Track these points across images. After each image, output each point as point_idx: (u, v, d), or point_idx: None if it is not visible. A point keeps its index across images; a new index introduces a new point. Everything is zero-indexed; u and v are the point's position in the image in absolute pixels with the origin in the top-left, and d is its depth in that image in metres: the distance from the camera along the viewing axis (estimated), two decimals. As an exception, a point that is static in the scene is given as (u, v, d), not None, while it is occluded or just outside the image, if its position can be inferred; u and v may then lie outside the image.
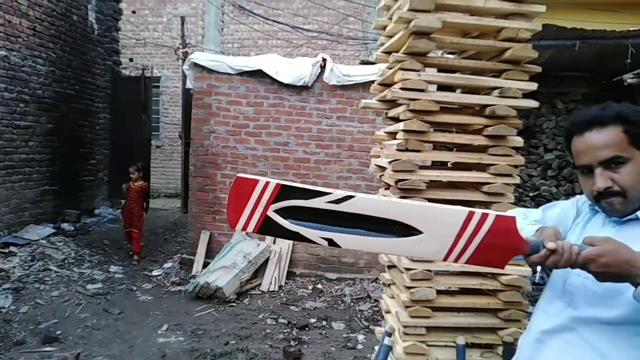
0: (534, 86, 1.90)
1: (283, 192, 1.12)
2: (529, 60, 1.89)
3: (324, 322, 4.41)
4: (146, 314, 4.39)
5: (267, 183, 1.11)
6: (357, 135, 5.68)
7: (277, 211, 1.13)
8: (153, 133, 10.28)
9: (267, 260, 5.38)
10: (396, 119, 2.12)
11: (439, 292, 1.94)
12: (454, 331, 1.93)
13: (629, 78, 4.79)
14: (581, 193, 1.21)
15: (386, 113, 2.31)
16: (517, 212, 1.24)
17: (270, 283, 5.25)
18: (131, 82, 9.05)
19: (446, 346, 1.94)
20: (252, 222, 1.13)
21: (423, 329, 1.91)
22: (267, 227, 1.14)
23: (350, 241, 1.14)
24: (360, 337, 4.09)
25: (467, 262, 1.11)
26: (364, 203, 1.11)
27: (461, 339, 1.89)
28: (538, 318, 1.19)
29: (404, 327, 1.92)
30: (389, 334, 2.06)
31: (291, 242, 5.67)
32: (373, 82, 2.47)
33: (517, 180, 1.94)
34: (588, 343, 1.06)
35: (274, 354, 3.66)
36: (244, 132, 5.70)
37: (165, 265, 5.88)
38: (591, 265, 0.93)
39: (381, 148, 2.31)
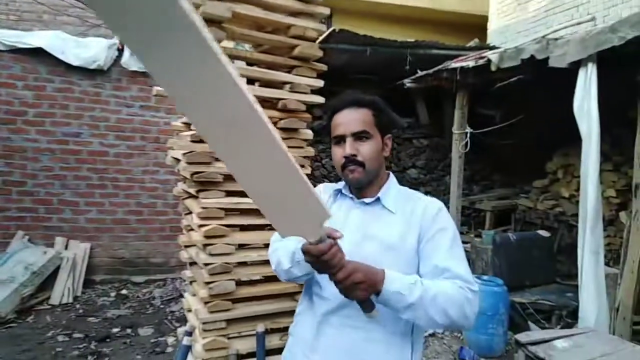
0: (320, 83, 2.04)
1: None
2: (317, 58, 2.02)
3: (129, 330, 4.05)
4: None
5: None
6: (163, 127, 5.33)
7: None
8: None
9: (57, 268, 4.67)
10: (192, 110, 2.04)
11: (238, 283, 1.94)
12: (254, 320, 1.96)
13: (407, 82, 5.62)
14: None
15: (183, 103, 2.20)
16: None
17: (63, 295, 4.58)
18: None
19: (247, 335, 1.96)
20: None
21: (223, 323, 1.89)
22: None
23: None
24: (170, 340, 3.87)
25: None
26: None
27: (261, 327, 1.93)
28: (317, 304, 1.27)
29: (203, 323, 1.87)
30: (190, 333, 1.99)
31: (88, 245, 5.04)
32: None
33: (308, 171, 2.07)
34: (361, 312, 1.18)
35: (65, 375, 3.20)
36: (21, 121, 4.81)
37: None
38: (352, 277, 1.01)
39: (178, 139, 2.20)
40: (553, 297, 4.00)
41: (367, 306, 1.06)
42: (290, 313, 2.08)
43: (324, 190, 1.39)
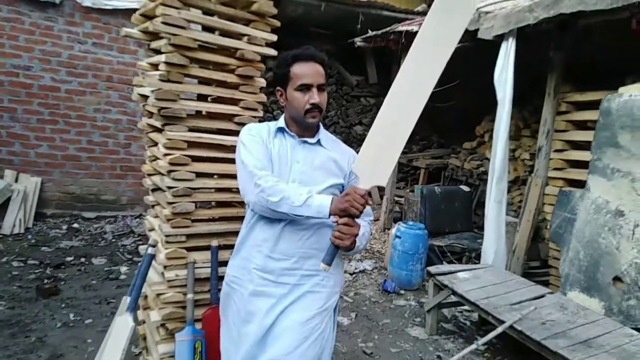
0: (274, 37, 2.33)
1: None
2: (272, 15, 2.30)
3: (83, 259, 4.31)
4: None
5: None
6: (116, 66, 5.37)
7: None
8: None
9: (8, 200, 4.77)
10: (158, 51, 2.28)
11: (196, 206, 2.28)
12: (209, 237, 2.32)
13: (358, 41, 5.91)
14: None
15: (149, 44, 2.42)
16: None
17: (14, 225, 4.72)
18: None
19: (203, 248, 2.33)
20: None
21: (183, 237, 2.23)
22: None
23: None
24: (124, 269, 4.17)
25: None
26: None
27: (215, 242, 2.30)
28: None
29: (166, 236, 2.20)
30: (153, 246, 2.32)
31: (39, 180, 5.13)
32: (134, 10, 2.52)
33: (261, 114, 2.39)
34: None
35: (25, 294, 3.45)
36: (-33, 49, 4.70)
37: None
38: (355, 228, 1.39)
39: (144, 78, 2.44)
40: (466, 242, 4.65)
41: (333, 256, 1.36)
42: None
43: (262, 128, 1.59)
